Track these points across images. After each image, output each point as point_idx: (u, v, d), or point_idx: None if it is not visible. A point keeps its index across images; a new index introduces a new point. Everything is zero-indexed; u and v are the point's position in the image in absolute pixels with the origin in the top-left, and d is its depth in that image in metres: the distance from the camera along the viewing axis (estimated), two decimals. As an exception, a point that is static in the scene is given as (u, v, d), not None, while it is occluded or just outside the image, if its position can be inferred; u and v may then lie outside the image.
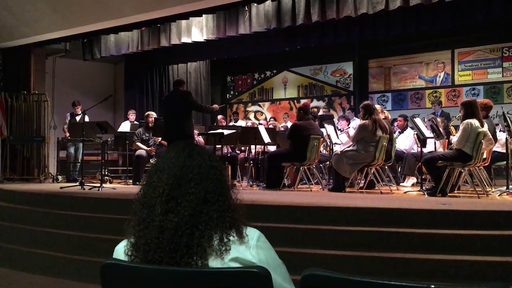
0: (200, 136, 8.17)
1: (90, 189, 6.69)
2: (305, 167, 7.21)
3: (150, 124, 8.28)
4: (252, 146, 8.46)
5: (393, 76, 11.29)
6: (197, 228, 1.30)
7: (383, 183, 7.07)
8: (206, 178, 1.37)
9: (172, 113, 6.78)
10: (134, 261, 1.32)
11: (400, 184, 7.72)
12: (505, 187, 6.09)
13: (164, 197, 1.34)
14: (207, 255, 1.28)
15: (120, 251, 1.38)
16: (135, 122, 9.88)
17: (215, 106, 7.59)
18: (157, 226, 1.31)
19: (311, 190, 7.03)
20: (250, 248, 1.31)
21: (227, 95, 13.83)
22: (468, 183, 6.51)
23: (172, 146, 1.49)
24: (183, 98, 6.75)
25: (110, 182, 8.33)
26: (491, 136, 6.00)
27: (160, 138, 8.12)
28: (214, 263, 1.28)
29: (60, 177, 9.03)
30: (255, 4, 8.20)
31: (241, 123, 10.94)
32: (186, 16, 8.43)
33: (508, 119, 6.48)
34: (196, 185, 1.35)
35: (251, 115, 13.26)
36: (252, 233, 1.36)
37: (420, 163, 6.74)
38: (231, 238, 1.31)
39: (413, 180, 7.74)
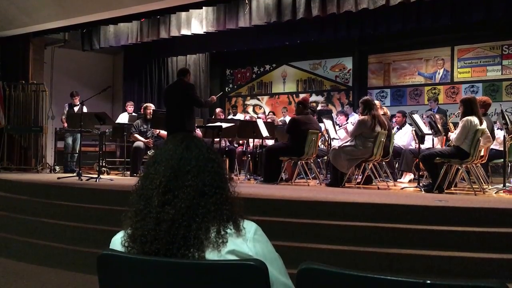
0: (198, 129, 8.16)
1: (87, 180, 6.68)
2: (303, 162, 7.21)
3: (148, 116, 8.26)
4: (250, 140, 8.45)
5: (393, 72, 11.28)
6: (194, 220, 1.30)
7: (381, 178, 7.08)
8: (203, 171, 1.37)
9: (174, 105, 6.60)
10: (131, 252, 1.32)
11: (398, 180, 7.74)
12: (501, 185, 6.11)
13: (161, 189, 1.34)
14: (204, 247, 1.28)
15: (117, 242, 1.38)
16: (133, 114, 9.87)
17: (213, 98, 7.41)
18: (154, 218, 1.31)
19: (308, 185, 7.04)
20: (247, 241, 1.32)
21: (226, 88, 13.81)
22: (465, 180, 6.53)
23: (170, 138, 1.49)
24: (186, 91, 6.60)
25: (108, 173, 8.32)
26: (489, 134, 6.00)
27: (158, 131, 8.11)
28: (211, 255, 1.28)
29: (57, 168, 9.01)
30: (256, -3, 8.18)
31: (240, 116, 10.94)
32: (186, 8, 8.40)
33: (506, 117, 6.49)
34: (193, 177, 1.35)
35: (250, 109, 13.25)
36: (249, 226, 1.36)
37: (417, 160, 6.76)
38: (228, 230, 1.31)
39: (410, 176, 7.76)
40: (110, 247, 1.40)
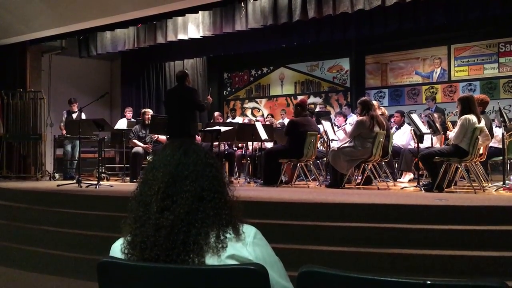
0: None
1: (87, 186, 6.68)
2: (302, 164, 7.21)
3: (146, 121, 8.27)
4: (249, 143, 8.45)
5: (390, 72, 11.29)
6: (193, 225, 1.30)
7: (380, 179, 7.08)
8: (201, 176, 1.37)
9: (176, 110, 6.58)
10: (130, 259, 1.32)
11: (397, 180, 7.73)
12: (501, 182, 6.11)
13: (160, 195, 1.34)
14: (203, 252, 1.28)
15: (117, 249, 1.38)
16: (132, 120, 9.86)
17: (208, 98, 7.41)
18: (153, 224, 1.31)
19: (308, 187, 7.04)
20: (247, 245, 1.32)
21: (224, 91, 13.82)
22: (465, 178, 6.53)
23: (168, 144, 1.49)
24: (188, 96, 6.58)
25: (107, 180, 8.32)
26: (487, 132, 6.01)
27: (157, 136, 8.11)
28: (210, 260, 1.28)
29: (57, 175, 9.01)
30: (252, 1, 8.19)
31: (238, 119, 10.94)
32: (182, 12, 8.41)
33: (504, 114, 6.50)
34: (191, 182, 1.35)
35: (248, 112, 13.25)
36: (249, 230, 1.36)
37: (416, 159, 6.76)
38: (228, 235, 1.32)
39: (410, 176, 7.76)
40: (110, 254, 1.40)
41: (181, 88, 6.73)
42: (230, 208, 1.38)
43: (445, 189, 5.91)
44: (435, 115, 7.35)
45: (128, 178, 8.14)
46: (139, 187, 1.42)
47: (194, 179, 1.36)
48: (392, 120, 8.55)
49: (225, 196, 1.40)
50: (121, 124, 9.85)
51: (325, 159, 7.96)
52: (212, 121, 9.66)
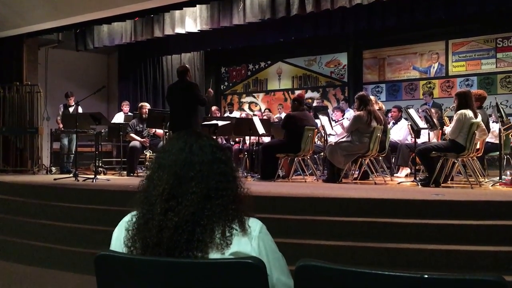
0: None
1: (84, 180, 6.66)
2: (300, 158, 7.21)
3: (144, 116, 8.25)
4: (247, 137, 8.45)
5: (388, 67, 11.29)
6: (198, 224, 1.29)
7: (377, 173, 7.09)
8: (208, 175, 1.34)
9: (180, 105, 6.59)
10: (133, 252, 1.32)
11: (394, 174, 7.75)
12: (498, 178, 6.13)
13: (165, 196, 1.32)
14: (207, 249, 1.28)
15: (123, 226, 1.39)
16: (129, 113, 9.84)
17: (209, 91, 7.41)
18: (157, 225, 1.30)
19: (305, 181, 7.04)
20: (252, 240, 1.31)
21: (222, 86, 13.79)
22: (462, 173, 6.55)
23: (173, 139, 1.43)
24: (190, 91, 6.60)
25: (104, 174, 8.30)
26: (484, 127, 6.02)
27: (154, 130, 8.10)
28: (213, 256, 1.28)
29: (54, 169, 8.98)
30: (249, -6, 8.17)
31: (236, 114, 10.93)
32: (179, 6, 8.37)
33: (501, 109, 6.51)
34: (197, 184, 1.32)
35: (246, 106, 13.24)
36: (255, 224, 1.36)
37: (413, 154, 6.77)
38: (234, 231, 1.30)
39: (407, 170, 7.77)
40: (118, 227, 1.42)
41: (182, 83, 6.74)
42: (238, 203, 1.35)
43: (442, 184, 5.92)
44: (433, 110, 7.36)
45: (125, 172, 8.14)
46: (145, 182, 1.39)
47: (200, 180, 1.33)
48: (390, 115, 8.56)
49: (234, 191, 1.37)
50: (118, 118, 9.83)
51: (322, 153, 7.97)
52: (209, 115, 9.65)
